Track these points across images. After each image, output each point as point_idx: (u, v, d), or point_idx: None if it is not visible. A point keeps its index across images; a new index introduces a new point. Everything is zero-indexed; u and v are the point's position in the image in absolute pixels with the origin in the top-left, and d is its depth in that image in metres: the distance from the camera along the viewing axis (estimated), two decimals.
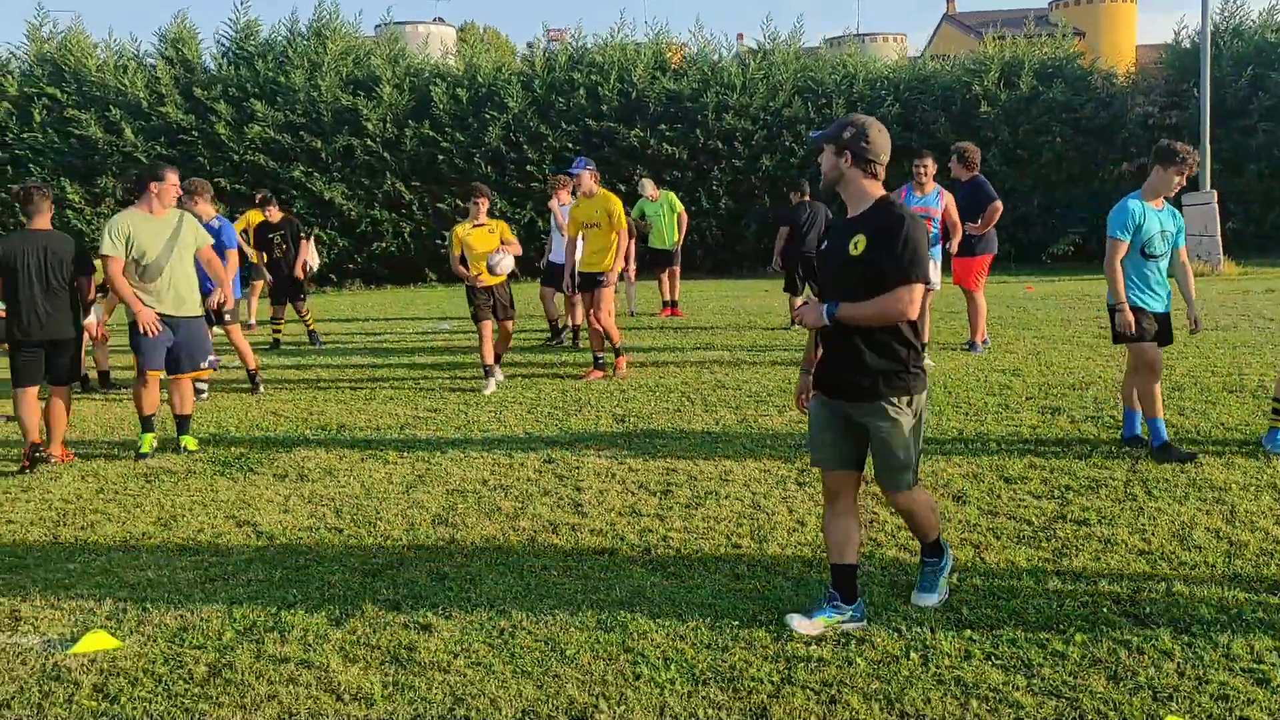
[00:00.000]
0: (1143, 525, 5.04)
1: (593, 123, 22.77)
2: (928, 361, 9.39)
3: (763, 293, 17.75)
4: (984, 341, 10.19)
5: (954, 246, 9.59)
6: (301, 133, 22.16)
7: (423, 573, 4.72)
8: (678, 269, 14.80)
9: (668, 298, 14.61)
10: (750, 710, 3.40)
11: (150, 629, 4.17)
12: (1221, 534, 4.89)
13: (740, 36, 35.25)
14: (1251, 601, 4.10)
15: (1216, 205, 18.57)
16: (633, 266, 12.93)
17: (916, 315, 3.81)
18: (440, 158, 22.72)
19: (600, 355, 9.36)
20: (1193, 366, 8.92)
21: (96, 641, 4.01)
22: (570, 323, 11.63)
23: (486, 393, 8.95)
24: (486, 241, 9.09)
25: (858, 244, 3.84)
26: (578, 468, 6.46)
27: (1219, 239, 18.44)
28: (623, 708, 3.44)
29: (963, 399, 8.07)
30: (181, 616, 4.29)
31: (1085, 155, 21.59)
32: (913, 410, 3.91)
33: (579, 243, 9.48)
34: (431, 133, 22.54)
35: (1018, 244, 21.34)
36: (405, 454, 6.96)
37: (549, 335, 12.07)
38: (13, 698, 3.62)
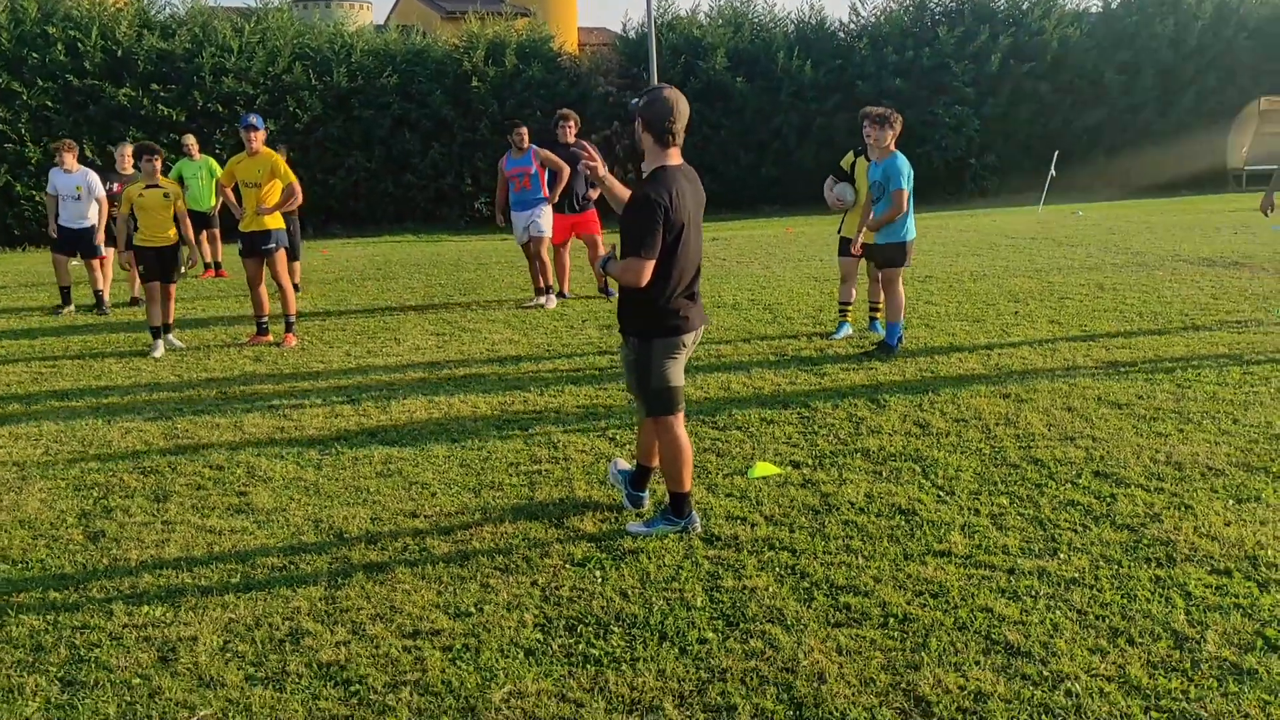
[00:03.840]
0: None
1: (75, 79, 21.62)
2: (543, 300, 11.11)
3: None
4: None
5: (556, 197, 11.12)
6: None
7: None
8: (218, 231, 15.22)
9: (208, 260, 15.02)
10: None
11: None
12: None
13: None
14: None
15: None
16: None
17: (643, 284, 4.29)
18: None
19: (264, 320, 9.51)
20: (705, 290, 11.82)
21: None
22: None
23: (156, 355, 9.07)
24: (161, 205, 9.17)
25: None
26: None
27: None
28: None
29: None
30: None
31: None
32: (634, 349, 4.50)
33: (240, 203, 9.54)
34: None
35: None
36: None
37: (59, 305, 11.81)
38: None
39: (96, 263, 11.60)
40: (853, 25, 27.05)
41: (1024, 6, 26.74)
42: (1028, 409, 6.40)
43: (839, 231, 9.25)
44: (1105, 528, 4.51)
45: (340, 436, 6.34)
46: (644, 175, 4.50)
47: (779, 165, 25.70)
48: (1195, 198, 24.56)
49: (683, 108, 4.43)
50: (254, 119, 9.22)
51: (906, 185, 8.10)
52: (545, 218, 11.19)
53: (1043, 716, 3.11)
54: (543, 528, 4.75)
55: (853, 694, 3.27)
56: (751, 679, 3.38)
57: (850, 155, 9.01)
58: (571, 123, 11.54)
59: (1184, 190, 26.39)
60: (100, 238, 11.69)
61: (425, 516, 4.94)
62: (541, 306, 11.11)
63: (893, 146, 8.10)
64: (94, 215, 11.60)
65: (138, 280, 12.43)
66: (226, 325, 10.58)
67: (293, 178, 9.33)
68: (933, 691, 3.26)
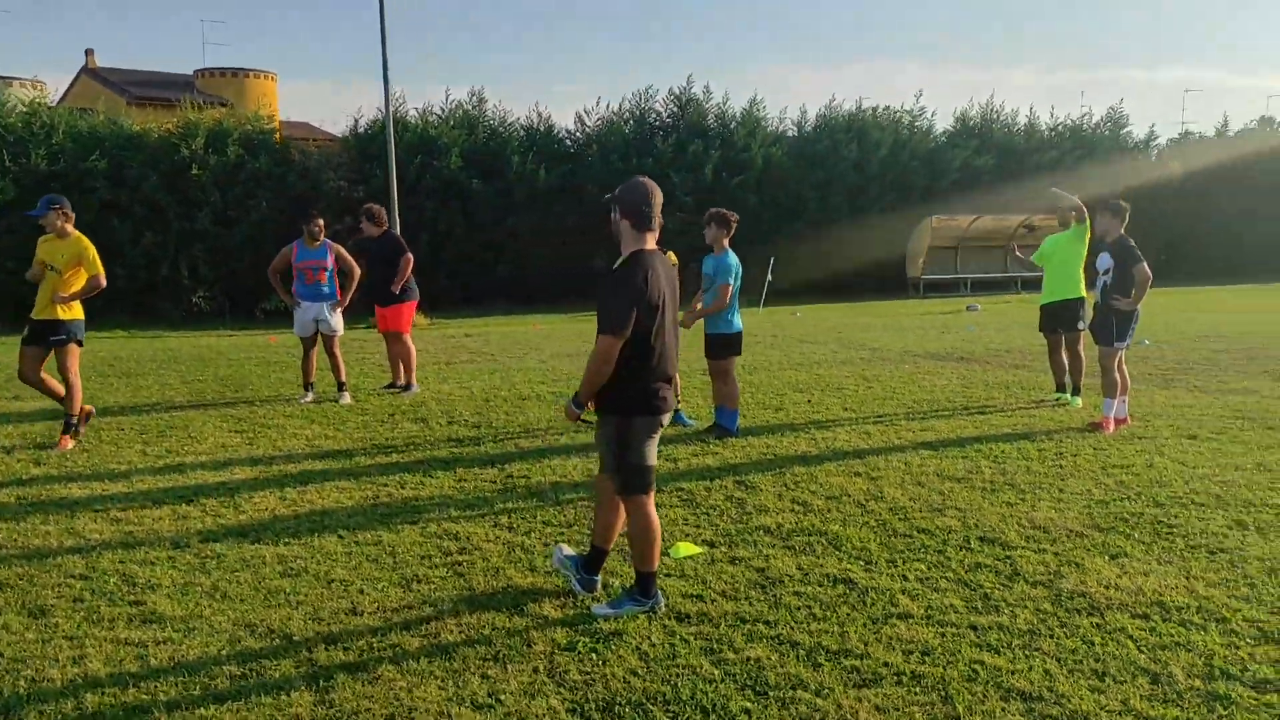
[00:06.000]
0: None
1: None
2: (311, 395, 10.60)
3: None
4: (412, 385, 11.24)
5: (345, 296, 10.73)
6: None
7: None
8: None
9: None
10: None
11: None
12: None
13: None
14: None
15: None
16: None
17: (611, 362, 4.37)
18: None
19: (74, 417, 8.40)
20: (497, 383, 11.75)
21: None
22: None
23: None
24: None
25: None
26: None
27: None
28: None
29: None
30: None
31: (289, 220, 23.94)
32: (615, 427, 4.53)
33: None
34: None
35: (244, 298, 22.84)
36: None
37: None
38: None
39: None
40: (579, 134, 28.22)
41: (731, 126, 29.06)
42: (884, 485, 6.92)
43: None
44: (1023, 585, 4.99)
45: (205, 537, 5.78)
46: (619, 262, 4.58)
47: (515, 264, 26.10)
48: (884, 302, 27.36)
49: (658, 194, 4.58)
50: (52, 200, 8.40)
51: (732, 281, 8.61)
52: (338, 316, 10.82)
53: None
54: (505, 617, 4.58)
55: None
56: None
57: None
58: (364, 218, 11.24)
59: (871, 296, 29.33)
60: None
61: (370, 614, 4.62)
62: (336, 401, 10.66)
63: (726, 244, 8.62)
64: None
65: None
66: None
67: (99, 269, 8.49)
68: None
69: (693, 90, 28.93)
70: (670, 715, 3.66)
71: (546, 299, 25.85)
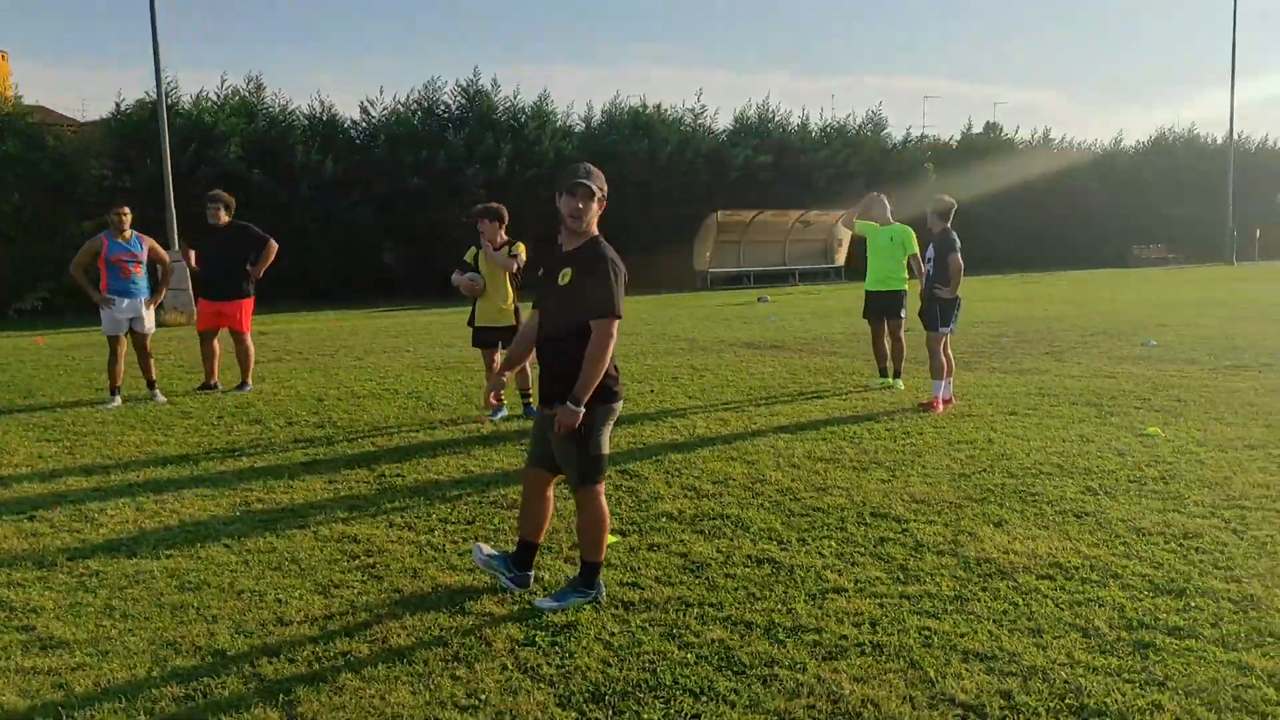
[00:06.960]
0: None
1: None
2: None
3: None
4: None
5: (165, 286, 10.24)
6: None
7: None
8: None
9: None
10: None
11: None
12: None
13: None
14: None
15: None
16: None
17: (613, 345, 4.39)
18: None
19: None
20: (322, 382, 11.20)
21: None
22: None
23: None
24: None
25: (565, 275, 4.46)
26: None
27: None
28: None
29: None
30: None
31: (45, 211, 21.94)
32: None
33: None
34: None
35: None
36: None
37: None
38: None
39: None
40: (364, 124, 27.31)
41: (522, 120, 28.92)
42: (763, 468, 7.10)
43: (470, 323, 9.45)
44: (930, 554, 5.25)
45: (71, 555, 5.24)
46: (576, 244, 4.56)
47: (300, 259, 24.93)
48: (678, 295, 28.00)
49: None
50: None
51: None
52: (152, 314, 10.21)
53: (1066, 698, 3.65)
54: (448, 617, 4.40)
55: (916, 713, 3.55)
56: (817, 714, 3.53)
57: (473, 249, 9.32)
58: (222, 206, 10.71)
59: (664, 289, 29.94)
60: None
61: (300, 623, 4.32)
62: (150, 401, 9.95)
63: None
64: None
65: None
66: None
67: None
68: (969, 697, 3.65)
69: (480, 83, 28.60)
70: (662, 700, 3.63)
71: (335, 295, 24.89)
